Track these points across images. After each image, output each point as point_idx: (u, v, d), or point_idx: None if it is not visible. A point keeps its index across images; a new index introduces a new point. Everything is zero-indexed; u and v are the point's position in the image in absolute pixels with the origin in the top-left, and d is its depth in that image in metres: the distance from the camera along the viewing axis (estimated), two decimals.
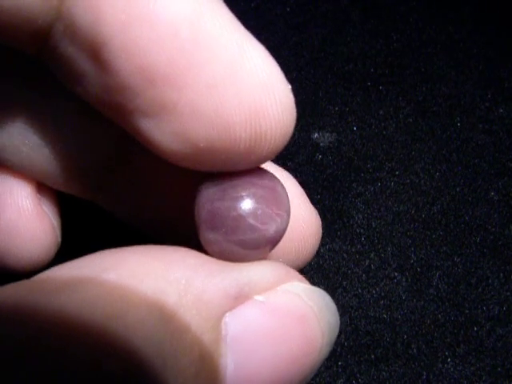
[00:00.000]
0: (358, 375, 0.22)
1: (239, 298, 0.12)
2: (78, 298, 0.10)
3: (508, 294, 0.24)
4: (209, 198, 0.13)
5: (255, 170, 0.14)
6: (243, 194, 0.13)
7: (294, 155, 0.27)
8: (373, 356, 0.22)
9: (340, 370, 0.22)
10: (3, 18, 0.11)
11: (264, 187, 0.13)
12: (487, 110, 0.29)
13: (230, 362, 0.11)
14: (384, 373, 0.22)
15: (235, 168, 0.13)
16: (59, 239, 0.18)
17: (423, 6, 0.32)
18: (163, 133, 0.12)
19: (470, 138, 0.28)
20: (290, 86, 0.13)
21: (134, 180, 0.16)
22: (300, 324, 0.12)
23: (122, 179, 0.16)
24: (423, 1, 0.33)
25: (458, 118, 0.28)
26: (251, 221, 0.13)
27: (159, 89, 0.12)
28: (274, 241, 0.13)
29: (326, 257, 0.24)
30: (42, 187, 0.17)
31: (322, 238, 0.25)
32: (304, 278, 0.14)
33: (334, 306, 0.14)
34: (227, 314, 0.12)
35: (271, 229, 0.13)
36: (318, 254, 0.25)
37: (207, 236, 0.13)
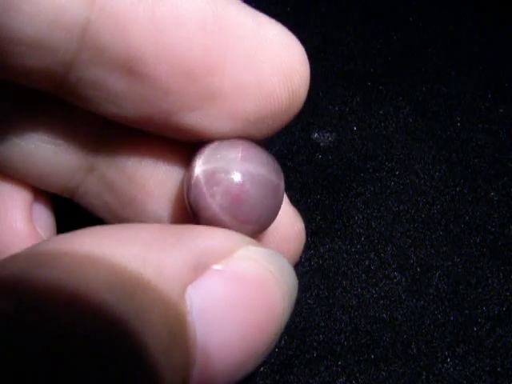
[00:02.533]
0: (358, 375, 0.22)
1: (198, 269, 0.12)
2: (55, 273, 0.10)
3: (508, 294, 0.24)
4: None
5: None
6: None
7: (294, 155, 0.27)
8: (372, 356, 0.22)
9: (340, 370, 0.22)
10: (23, 54, 0.11)
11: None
12: (487, 110, 0.29)
13: (198, 335, 0.11)
14: (384, 372, 0.22)
15: (270, 131, 0.14)
16: None
17: (423, 6, 0.32)
18: (213, 119, 0.13)
19: (470, 137, 0.28)
20: (299, 42, 0.14)
21: (119, 179, 0.16)
22: (261, 289, 0.12)
23: (98, 178, 0.16)
24: (423, 1, 0.33)
25: (458, 118, 0.28)
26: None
27: (201, 82, 0.12)
28: (266, 214, 0.13)
29: (326, 257, 0.24)
30: (37, 206, 0.17)
31: (322, 237, 0.25)
32: (257, 242, 0.14)
33: (291, 267, 0.13)
34: (189, 287, 0.11)
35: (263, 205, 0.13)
36: (317, 253, 0.25)
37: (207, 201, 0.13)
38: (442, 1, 0.33)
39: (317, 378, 0.22)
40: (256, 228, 0.14)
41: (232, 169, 0.13)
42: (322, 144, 0.27)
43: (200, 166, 0.13)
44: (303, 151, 0.27)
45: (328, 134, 0.28)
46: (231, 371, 0.12)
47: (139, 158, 0.16)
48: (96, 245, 0.11)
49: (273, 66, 0.13)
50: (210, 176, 0.13)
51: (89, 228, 0.12)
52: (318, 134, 0.28)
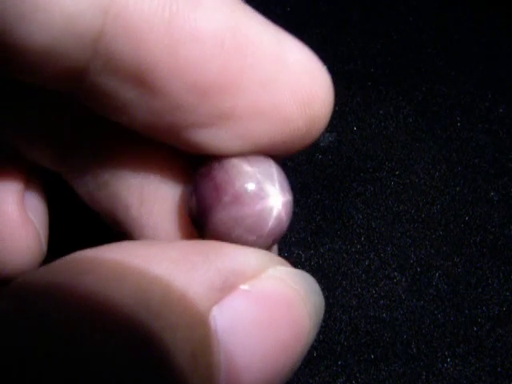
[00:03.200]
0: (358, 375, 0.22)
1: (225, 288, 0.12)
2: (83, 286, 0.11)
3: (508, 294, 0.24)
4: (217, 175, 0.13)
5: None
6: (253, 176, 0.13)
7: (294, 155, 0.27)
8: (372, 356, 0.22)
9: (340, 370, 0.22)
10: (36, 61, 0.11)
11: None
12: (487, 110, 0.29)
13: (222, 356, 0.11)
14: (384, 372, 0.22)
15: (283, 155, 0.14)
16: (44, 248, 0.18)
17: (423, 6, 0.33)
18: (224, 138, 0.13)
19: (470, 137, 0.28)
20: (325, 67, 0.13)
21: (99, 158, 0.16)
22: (287, 309, 0.12)
23: (89, 154, 0.16)
24: (423, 1, 0.33)
25: (458, 118, 0.28)
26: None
27: (214, 100, 0.12)
28: (275, 233, 0.13)
29: (326, 257, 0.24)
30: (30, 193, 0.17)
31: (322, 237, 0.25)
32: (285, 261, 0.14)
33: (318, 286, 0.13)
34: (214, 308, 0.11)
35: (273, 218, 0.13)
36: (317, 253, 0.25)
37: (218, 215, 0.13)
38: (442, 1, 0.33)
39: (317, 378, 0.22)
40: (276, 238, 0.14)
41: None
42: (322, 144, 0.27)
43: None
44: (303, 151, 0.27)
45: (328, 134, 0.28)
46: None
47: (122, 152, 0.15)
48: (123, 261, 0.11)
49: (292, 90, 0.13)
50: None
51: (116, 243, 0.12)
52: None
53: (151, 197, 0.15)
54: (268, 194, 0.13)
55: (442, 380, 0.22)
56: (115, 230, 0.16)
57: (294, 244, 0.25)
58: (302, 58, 0.13)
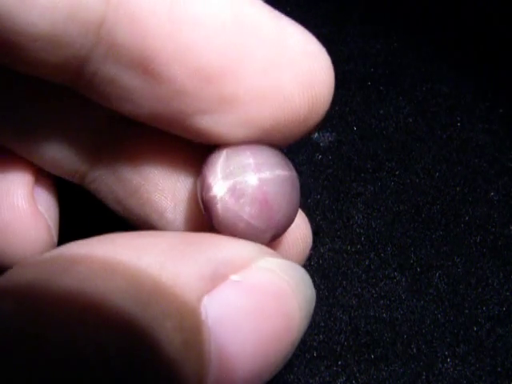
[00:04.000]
0: (358, 375, 0.22)
1: (215, 278, 0.12)
2: (68, 280, 0.11)
3: (508, 293, 0.24)
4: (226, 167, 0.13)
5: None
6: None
7: (294, 155, 0.27)
8: (372, 356, 0.22)
9: (340, 370, 0.22)
10: (38, 49, 0.11)
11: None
12: (487, 110, 0.29)
13: (213, 345, 0.11)
14: (384, 372, 0.22)
15: (288, 140, 0.14)
16: (55, 240, 0.18)
17: (423, 6, 0.33)
18: (228, 124, 0.13)
19: (470, 137, 0.28)
20: (324, 49, 0.14)
21: (127, 166, 0.16)
22: (277, 300, 0.12)
23: (115, 163, 0.16)
24: (423, 1, 0.33)
25: (458, 118, 0.28)
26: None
27: (218, 85, 0.12)
28: (285, 220, 0.13)
29: (326, 257, 0.24)
30: (40, 183, 0.17)
31: (322, 237, 0.25)
32: (277, 253, 0.14)
33: (309, 278, 0.13)
34: (205, 297, 0.11)
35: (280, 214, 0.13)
36: (317, 253, 0.25)
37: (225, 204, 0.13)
38: (442, 1, 0.33)
39: (317, 378, 0.22)
40: (284, 227, 0.14)
41: (251, 177, 0.13)
42: (322, 144, 0.27)
43: (219, 181, 0.13)
44: (303, 151, 0.27)
45: (328, 134, 0.28)
46: (246, 381, 0.12)
47: (150, 155, 0.15)
48: (112, 252, 0.11)
49: (293, 72, 0.13)
50: (233, 190, 0.13)
51: (105, 235, 0.12)
52: (318, 134, 0.28)
53: (184, 198, 0.15)
54: (260, 187, 0.13)
55: (441, 380, 0.22)
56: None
57: None
58: (301, 40, 0.13)
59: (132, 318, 0.10)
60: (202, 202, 0.13)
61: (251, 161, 0.13)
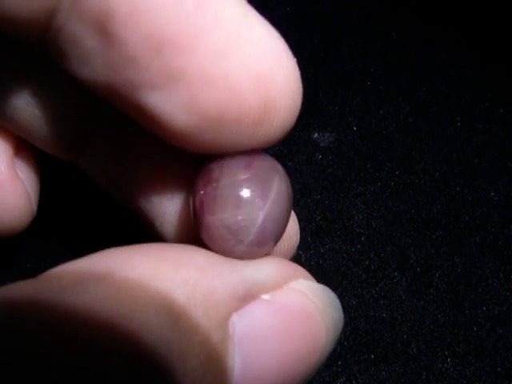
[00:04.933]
0: (358, 375, 0.22)
1: (247, 297, 0.12)
2: (86, 298, 0.10)
3: (508, 293, 0.24)
4: (208, 182, 0.13)
5: (254, 153, 0.14)
6: (243, 180, 0.13)
7: (294, 155, 0.27)
8: (372, 356, 0.22)
9: (340, 370, 0.22)
10: (6, 4, 0.11)
11: (264, 174, 0.13)
12: (487, 110, 0.29)
13: (237, 361, 0.11)
14: (384, 372, 0.22)
15: (240, 147, 0.13)
16: (34, 207, 0.18)
17: (423, 6, 0.32)
18: (172, 104, 0.12)
19: (470, 137, 0.28)
20: (295, 59, 0.13)
21: (117, 148, 0.16)
22: (305, 321, 0.13)
23: (107, 144, 0.16)
24: (423, 1, 0.33)
25: (458, 118, 0.28)
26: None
27: (167, 58, 0.12)
28: (276, 235, 0.13)
29: (326, 257, 0.24)
30: (21, 153, 0.17)
31: (322, 237, 0.25)
32: (309, 275, 0.14)
33: (339, 302, 0.14)
34: (234, 314, 0.12)
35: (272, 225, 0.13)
36: (317, 253, 0.25)
37: (207, 224, 0.13)
38: (442, 1, 0.33)
39: (317, 378, 0.22)
40: (275, 242, 0.14)
41: (247, 195, 0.13)
42: (321, 144, 0.27)
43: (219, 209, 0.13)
44: (303, 151, 0.27)
45: (328, 134, 0.28)
46: None
47: (141, 139, 0.16)
48: (148, 267, 0.12)
49: (247, 66, 0.12)
50: (231, 218, 0.13)
51: (140, 246, 0.13)
52: (318, 134, 0.28)
53: (170, 186, 0.16)
54: (252, 203, 0.13)
55: (441, 380, 0.22)
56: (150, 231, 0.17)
57: None
58: (265, 37, 0.12)
59: (160, 334, 0.10)
60: (194, 213, 0.13)
61: (248, 176, 0.13)
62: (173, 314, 0.11)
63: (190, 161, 0.15)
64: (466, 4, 0.32)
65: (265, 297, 0.12)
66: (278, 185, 0.13)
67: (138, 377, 0.10)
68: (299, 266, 0.14)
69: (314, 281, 0.14)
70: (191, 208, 0.13)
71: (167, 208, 0.16)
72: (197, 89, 0.12)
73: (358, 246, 0.25)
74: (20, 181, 0.17)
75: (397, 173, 0.27)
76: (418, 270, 0.24)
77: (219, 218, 0.13)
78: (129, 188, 0.16)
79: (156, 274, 0.11)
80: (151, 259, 0.12)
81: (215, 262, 0.12)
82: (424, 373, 0.22)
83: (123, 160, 0.16)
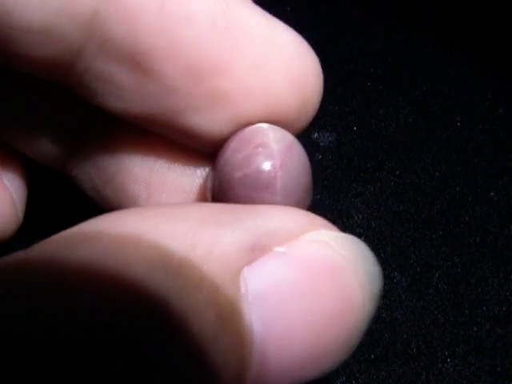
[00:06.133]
0: (358, 375, 0.22)
1: (256, 249, 0.10)
2: (78, 255, 0.10)
3: (508, 293, 0.24)
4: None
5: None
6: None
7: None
8: (372, 355, 0.22)
9: (340, 370, 0.22)
10: (31, 43, 0.11)
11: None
12: (487, 110, 0.29)
13: (255, 321, 0.10)
14: (383, 372, 0.22)
15: None
16: (20, 215, 0.17)
17: (423, 6, 0.32)
18: (217, 122, 0.13)
19: (470, 137, 0.28)
20: (314, 52, 0.14)
21: (105, 155, 0.16)
22: (332, 275, 0.11)
23: (93, 151, 0.16)
24: (423, 1, 0.33)
25: (458, 118, 0.28)
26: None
27: (208, 82, 0.12)
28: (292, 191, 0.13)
29: None
30: (7, 160, 0.17)
31: None
32: (332, 225, 0.12)
33: (371, 254, 0.12)
34: (245, 269, 0.10)
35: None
36: None
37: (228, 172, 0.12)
38: (442, 1, 0.33)
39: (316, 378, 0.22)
40: (302, 199, 0.13)
41: (268, 162, 0.12)
42: (321, 144, 0.27)
43: (235, 167, 0.12)
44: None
45: (328, 134, 0.28)
46: (297, 369, 0.10)
47: (126, 144, 0.15)
48: (141, 223, 0.11)
49: (284, 72, 0.13)
50: (249, 177, 0.12)
51: (135, 208, 0.12)
52: (318, 134, 0.28)
53: (158, 187, 0.15)
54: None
55: (441, 380, 0.22)
56: None
57: None
58: (292, 41, 0.13)
59: (158, 291, 0.09)
60: (218, 187, 0.13)
61: (269, 140, 0.13)
62: (171, 270, 0.10)
63: (188, 151, 0.15)
64: (465, 4, 0.32)
65: (279, 249, 0.11)
66: (297, 149, 0.13)
67: (133, 340, 0.09)
68: (319, 217, 0.12)
69: (338, 231, 0.12)
70: (212, 185, 0.13)
71: None
72: (241, 104, 0.12)
73: None
74: (5, 188, 0.17)
75: (397, 173, 0.26)
76: (418, 269, 0.24)
77: (248, 191, 0.12)
78: (114, 197, 0.16)
79: (149, 229, 0.10)
80: (144, 216, 0.11)
81: (217, 213, 0.11)
82: (424, 373, 0.22)
83: (109, 168, 0.16)
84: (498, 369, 0.22)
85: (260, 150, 0.12)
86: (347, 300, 0.11)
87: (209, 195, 0.13)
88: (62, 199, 0.21)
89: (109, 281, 0.09)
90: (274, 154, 0.13)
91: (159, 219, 0.11)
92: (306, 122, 0.14)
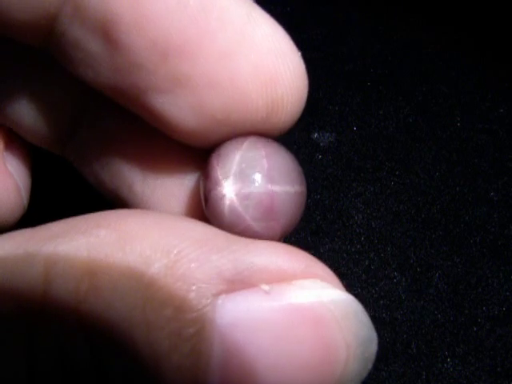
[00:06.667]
0: None
1: (238, 281, 0.11)
2: (65, 247, 0.10)
3: (508, 294, 0.24)
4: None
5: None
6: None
7: (294, 155, 0.27)
8: None
9: None
10: (9, 9, 0.11)
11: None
12: (487, 110, 0.29)
13: (217, 347, 0.10)
14: (384, 372, 0.22)
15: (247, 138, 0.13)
16: (25, 202, 0.17)
17: (423, 6, 0.32)
18: (179, 108, 0.12)
19: (470, 138, 0.28)
20: (299, 53, 0.13)
21: (102, 139, 0.16)
22: (315, 328, 0.11)
23: (90, 135, 0.16)
24: (423, 1, 0.33)
25: (458, 118, 0.28)
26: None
27: (173, 62, 0.12)
28: (284, 217, 0.13)
29: (326, 257, 0.24)
30: (11, 147, 0.17)
31: (322, 237, 0.25)
32: (333, 278, 0.12)
33: (367, 318, 0.12)
34: (222, 296, 0.10)
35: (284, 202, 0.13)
36: (317, 254, 0.25)
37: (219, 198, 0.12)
38: (442, 1, 0.33)
39: None
40: (285, 229, 0.13)
41: (262, 182, 0.12)
42: (321, 144, 0.27)
43: (229, 178, 0.12)
44: (303, 151, 0.27)
45: (328, 134, 0.28)
46: None
47: (123, 129, 0.15)
48: (133, 227, 0.11)
49: (253, 66, 0.12)
50: (241, 190, 0.12)
51: (140, 210, 0.12)
52: (318, 134, 0.28)
53: (153, 172, 0.15)
54: (257, 177, 0.12)
55: (441, 380, 0.22)
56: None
57: (294, 244, 0.25)
58: (270, 35, 0.12)
59: (124, 297, 0.10)
60: (205, 192, 0.13)
61: (264, 163, 0.12)
62: (142, 281, 0.10)
63: (182, 157, 0.15)
64: (465, 4, 0.32)
65: (264, 287, 0.11)
66: (295, 182, 0.13)
67: (95, 333, 0.09)
68: (319, 263, 0.12)
69: (340, 286, 0.12)
70: (204, 187, 0.13)
71: (153, 202, 0.15)
72: (204, 92, 0.12)
73: (358, 246, 0.25)
74: (10, 175, 0.17)
75: (397, 173, 0.26)
76: (418, 270, 0.24)
77: (223, 189, 0.12)
78: (111, 181, 0.16)
79: (138, 238, 0.11)
80: (142, 221, 0.11)
81: (214, 238, 0.11)
82: (424, 373, 0.22)
83: (104, 153, 0.16)
84: (498, 369, 0.22)
85: (249, 172, 0.12)
86: (327, 354, 0.11)
87: (202, 201, 0.13)
88: (66, 186, 0.21)
89: (81, 280, 0.10)
90: (265, 174, 0.12)
91: (154, 228, 0.11)
92: (280, 124, 0.13)
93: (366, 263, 0.24)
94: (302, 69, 0.13)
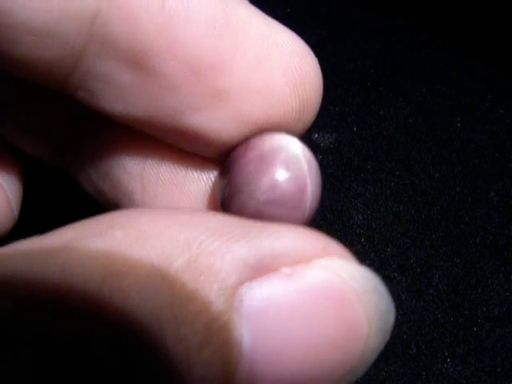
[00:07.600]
0: None
1: (260, 268, 0.10)
2: (76, 254, 0.10)
3: (508, 294, 0.24)
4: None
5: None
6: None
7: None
8: None
9: None
10: (31, 47, 0.11)
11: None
12: (487, 110, 0.29)
13: (246, 336, 0.10)
14: (383, 373, 0.22)
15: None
16: (15, 213, 0.17)
17: (423, 6, 0.32)
18: (220, 120, 0.13)
19: (470, 137, 0.28)
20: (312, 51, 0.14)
21: (101, 149, 0.16)
22: (337, 305, 0.11)
23: (90, 146, 0.16)
24: (423, 1, 0.33)
25: (458, 118, 0.28)
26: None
27: (209, 79, 0.12)
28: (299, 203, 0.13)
29: None
30: (1, 158, 0.17)
31: None
32: (348, 254, 0.12)
33: (385, 290, 0.12)
34: (245, 284, 0.10)
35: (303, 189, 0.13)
36: None
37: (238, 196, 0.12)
38: (442, 1, 0.33)
39: None
40: (306, 216, 0.13)
41: (288, 178, 0.13)
42: (322, 144, 0.27)
43: (252, 183, 0.12)
44: None
45: (328, 135, 0.28)
46: None
47: (121, 139, 0.15)
48: (149, 225, 0.11)
49: (283, 70, 0.13)
50: (268, 195, 0.12)
51: (150, 208, 0.12)
52: (319, 135, 0.28)
53: (152, 181, 0.15)
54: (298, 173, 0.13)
55: (441, 380, 0.22)
56: None
57: None
58: (290, 40, 0.13)
59: (149, 297, 0.10)
60: (230, 193, 0.13)
61: (287, 152, 0.13)
62: (167, 278, 0.10)
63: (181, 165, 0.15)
64: (465, 4, 0.32)
65: (285, 270, 0.11)
66: (313, 159, 0.13)
67: (122, 335, 0.09)
68: (335, 242, 0.12)
69: (354, 261, 0.12)
70: (222, 189, 0.13)
71: None
72: (243, 101, 0.13)
73: (358, 247, 0.25)
74: (0, 186, 0.17)
75: (397, 173, 0.27)
76: (418, 270, 0.24)
77: (263, 209, 0.12)
78: (110, 191, 0.16)
79: (156, 234, 0.10)
80: (154, 218, 0.11)
81: (227, 227, 0.11)
82: (424, 373, 0.22)
83: (104, 163, 0.16)
84: (498, 369, 0.22)
85: (278, 165, 0.12)
86: (352, 332, 0.11)
87: (219, 202, 0.13)
88: (57, 196, 0.21)
89: (104, 285, 0.10)
90: (299, 169, 0.13)
91: (170, 223, 0.11)
92: (307, 122, 0.14)
93: (366, 263, 0.24)
94: (318, 66, 0.14)
